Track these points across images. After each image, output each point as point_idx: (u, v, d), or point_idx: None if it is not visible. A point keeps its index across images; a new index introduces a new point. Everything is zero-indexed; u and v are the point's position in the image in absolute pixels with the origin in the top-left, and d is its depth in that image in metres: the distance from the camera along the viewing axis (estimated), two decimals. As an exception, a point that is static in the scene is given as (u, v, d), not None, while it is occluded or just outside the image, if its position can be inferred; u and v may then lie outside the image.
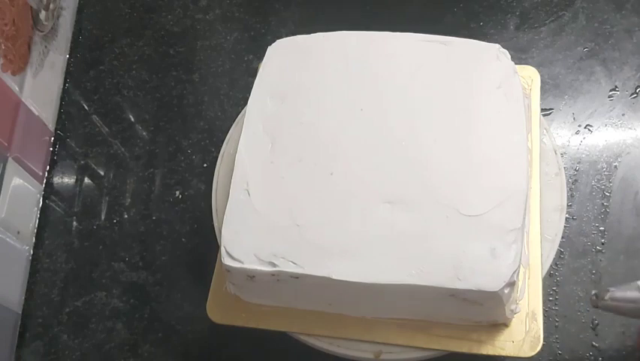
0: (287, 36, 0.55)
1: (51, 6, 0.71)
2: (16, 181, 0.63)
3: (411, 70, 0.51)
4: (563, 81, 0.65)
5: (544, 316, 0.48)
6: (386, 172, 0.47)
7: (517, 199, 0.45)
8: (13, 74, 0.64)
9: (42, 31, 0.69)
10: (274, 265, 0.45)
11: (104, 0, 0.77)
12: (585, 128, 0.62)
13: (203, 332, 0.58)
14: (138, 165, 0.67)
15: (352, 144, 0.49)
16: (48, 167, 0.68)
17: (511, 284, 0.43)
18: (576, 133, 0.62)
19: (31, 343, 0.60)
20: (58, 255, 0.64)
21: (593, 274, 0.56)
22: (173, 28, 0.74)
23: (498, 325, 0.47)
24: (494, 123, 0.49)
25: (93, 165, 0.68)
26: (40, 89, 0.68)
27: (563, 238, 0.52)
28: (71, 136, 0.70)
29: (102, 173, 0.68)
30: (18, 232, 0.62)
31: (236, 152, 0.50)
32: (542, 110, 0.59)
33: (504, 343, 0.47)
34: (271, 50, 0.55)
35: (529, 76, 0.56)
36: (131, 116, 0.70)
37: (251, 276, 0.46)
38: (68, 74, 0.73)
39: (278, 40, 0.55)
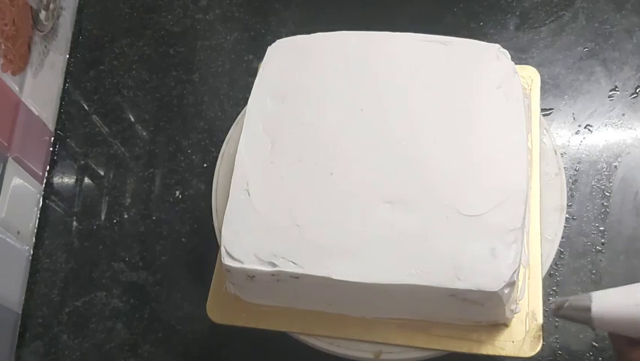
0: (287, 36, 0.55)
1: (51, 6, 0.71)
2: (16, 181, 0.63)
3: (411, 70, 0.51)
4: (563, 81, 0.65)
5: (544, 316, 0.48)
6: (386, 172, 0.47)
7: (517, 199, 0.45)
8: (13, 74, 0.64)
9: (42, 31, 0.69)
10: (274, 265, 0.45)
11: (104, 0, 0.77)
12: (585, 128, 0.62)
13: (203, 332, 0.58)
14: (138, 165, 0.67)
15: (352, 144, 0.49)
16: (48, 167, 0.68)
17: (511, 284, 0.43)
18: (576, 133, 0.62)
19: (31, 343, 0.60)
20: (58, 255, 0.64)
21: (593, 274, 0.56)
22: (173, 28, 0.74)
23: (498, 325, 0.47)
24: (494, 123, 0.49)
25: (93, 165, 0.68)
26: (40, 89, 0.68)
27: (563, 238, 0.52)
28: (71, 136, 0.70)
29: (102, 173, 0.68)
30: (18, 232, 0.62)
31: (236, 152, 0.50)
32: (542, 110, 0.59)
33: (504, 343, 0.47)
34: (271, 50, 0.55)
35: (529, 76, 0.56)
36: (131, 116, 0.70)
37: (251, 276, 0.46)
38: (68, 74, 0.73)
39: (278, 41, 0.55)
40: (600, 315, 0.41)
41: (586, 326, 0.53)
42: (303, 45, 0.54)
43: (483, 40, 0.53)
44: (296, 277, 0.45)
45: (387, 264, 0.44)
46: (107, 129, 0.70)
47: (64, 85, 0.72)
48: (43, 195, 0.67)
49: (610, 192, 0.59)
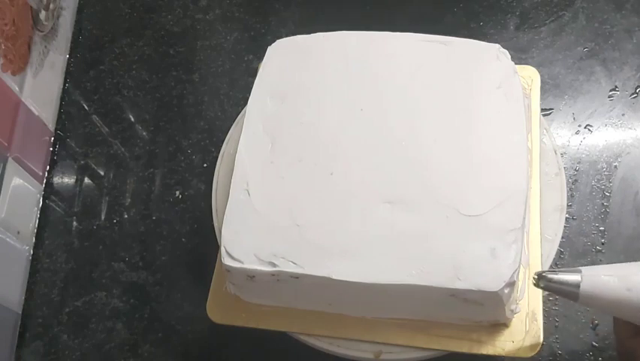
0: (287, 36, 0.55)
1: (51, 6, 0.71)
2: (16, 181, 0.63)
3: (411, 70, 0.51)
4: (563, 81, 0.65)
5: (544, 316, 0.48)
6: (386, 172, 0.47)
7: (517, 199, 0.45)
8: (13, 74, 0.64)
9: (42, 31, 0.69)
10: (274, 265, 0.45)
11: (104, 0, 0.77)
12: (585, 128, 0.62)
13: (203, 332, 0.58)
14: (138, 165, 0.67)
15: (352, 144, 0.49)
16: (48, 167, 0.68)
17: (511, 284, 0.43)
18: (576, 133, 0.62)
19: (31, 343, 0.60)
20: (58, 255, 0.64)
21: (593, 274, 0.56)
22: (173, 28, 0.74)
23: (498, 325, 0.47)
24: (494, 123, 0.49)
25: (93, 165, 0.68)
26: (40, 89, 0.68)
27: (563, 238, 0.52)
28: (71, 136, 0.70)
29: (102, 173, 0.68)
30: (18, 232, 0.62)
31: (236, 152, 0.50)
32: (542, 110, 0.59)
33: (504, 343, 0.47)
34: (271, 50, 0.55)
35: (529, 76, 0.56)
36: (131, 116, 0.70)
37: (251, 276, 0.46)
38: (68, 74, 0.73)
39: (278, 41, 0.55)
40: (588, 293, 0.40)
41: (586, 326, 0.53)
42: (303, 45, 0.54)
43: (483, 40, 0.53)
44: (296, 277, 0.45)
45: (387, 264, 0.44)
46: (107, 129, 0.70)
47: (64, 85, 0.72)
48: (43, 195, 0.67)
49: (610, 192, 0.59)
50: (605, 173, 0.60)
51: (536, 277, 0.42)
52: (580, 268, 0.41)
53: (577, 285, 0.40)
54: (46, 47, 0.70)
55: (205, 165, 0.66)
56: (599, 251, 0.56)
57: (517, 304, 0.47)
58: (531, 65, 0.57)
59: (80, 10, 0.77)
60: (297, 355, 0.52)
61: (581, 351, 0.53)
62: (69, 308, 0.61)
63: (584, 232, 0.57)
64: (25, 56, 0.67)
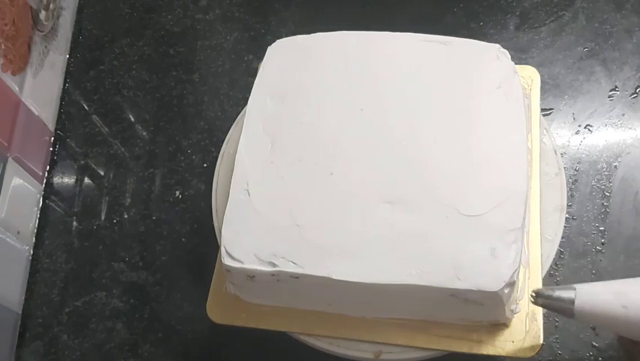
0: (287, 36, 0.55)
1: (51, 6, 0.71)
2: (16, 181, 0.63)
3: (411, 70, 0.51)
4: (563, 81, 0.65)
5: (544, 316, 0.48)
6: (386, 172, 0.47)
7: (517, 199, 0.45)
8: (13, 74, 0.64)
9: (42, 31, 0.69)
10: (274, 265, 0.45)
11: (104, 0, 0.77)
12: (585, 128, 0.62)
13: (203, 332, 0.58)
14: (138, 165, 0.67)
15: (352, 144, 0.49)
16: (48, 167, 0.68)
17: (511, 284, 0.43)
18: (576, 133, 0.62)
19: (31, 343, 0.60)
20: (58, 255, 0.64)
21: (593, 274, 0.56)
22: (173, 28, 0.74)
23: (498, 325, 0.47)
24: (494, 123, 0.49)
25: (93, 165, 0.68)
26: (40, 89, 0.68)
27: (563, 238, 0.52)
28: (71, 136, 0.70)
29: (102, 173, 0.68)
30: (18, 232, 0.62)
31: (236, 152, 0.50)
32: (542, 110, 0.59)
33: (504, 343, 0.47)
34: (271, 50, 0.55)
35: (529, 76, 0.56)
36: (131, 116, 0.70)
37: (251, 276, 0.46)
38: (68, 74, 0.73)
39: (278, 41, 0.55)
40: (583, 310, 0.41)
41: (586, 326, 0.53)
42: (303, 45, 0.54)
43: (483, 40, 0.53)
44: (296, 277, 0.45)
45: (387, 264, 0.44)
46: (107, 129, 0.70)
47: (64, 85, 0.72)
48: (43, 195, 0.67)
49: (610, 192, 0.59)
50: (605, 173, 0.60)
51: (534, 294, 0.42)
52: (575, 285, 0.41)
53: (571, 301, 0.41)
54: (46, 47, 0.70)
55: (205, 165, 0.66)
56: (599, 251, 0.56)
57: (517, 304, 0.46)
58: (531, 65, 0.57)
59: (80, 10, 0.77)
60: (297, 355, 0.52)
61: (581, 351, 0.53)
62: (69, 308, 0.61)
63: (584, 232, 0.57)
64: (25, 56, 0.67)
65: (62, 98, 0.72)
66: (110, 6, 0.77)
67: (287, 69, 0.53)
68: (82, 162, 0.69)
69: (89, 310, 0.61)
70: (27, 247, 0.64)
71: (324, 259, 0.45)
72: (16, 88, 0.65)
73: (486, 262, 0.43)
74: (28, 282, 0.63)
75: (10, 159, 0.62)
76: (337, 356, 0.50)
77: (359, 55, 0.53)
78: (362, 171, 0.48)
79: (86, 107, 0.71)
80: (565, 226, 0.52)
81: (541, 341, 0.46)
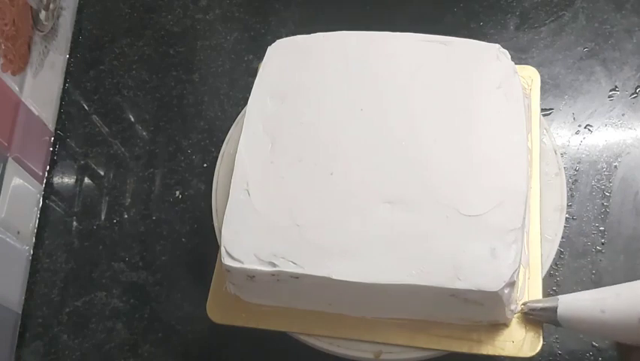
0: (287, 36, 0.55)
1: (51, 6, 0.71)
2: (16, 181, 0.63)
3: (411, 70, 0.51)
4: (563, 81, 0.65)
5: (544, 316, 0.48)
6: (386, 172, 0.47)
7: (517, 199, 0.45)
8: (13, 74, 0.64)
9: (42, 31, 0.69)
10: (274, 265, 0.45)
11: (104, 0, 0.77)
12: (585, 128, 0.62)
13: (203, 332, 0.58)
14: (138, 165, 0.67)
15: (352, 144, 0.49)
16: (48, 167, 0.68)
17: (511, 284, 0.43)
18: (576, 133, 0.62)
19: (31, 343, 0.60)
20: (58, 255, 0.64)
21: (593, 274, 0.56)
22: (173, 28, 0.75)
23: (498, 325, 0.47)
24: (494, 123, 0.49)
25: (93, 165, 0.68)
26: (40, 89, 0.68)
27: (563, 238, 0.52)
28: (71, 136, 0.70)
29: (102, 173, 0.68)
30: (18, 232, 0.62)
31: (236, 152, 0.50)
32: (542, 110, 0.59)
33: (504, 343, 0.47)
34: (271, 50, 0.55)
35: (529, 76, 0.56)
36: (131, 116, 0.70)
37: (251, 276, 0.46)
38: (68, 74, 0.73)
39: (278, 41, 0.55)
40: (566, 317, 0.43)
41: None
42: (303, 45, 0.54)
43: (483, 40, 0.53)
44: (296, 277, 0.45)
45: (387, 264, 0.44)
46: (107, 129, 0.70)
47: (64, 85, 0.72)
48: (43, 195, 0.67)
49: (610, 192, 0.59)
50: (605, 173, 0.60)
51: (523, 306, 0.45)
52: (558, 296, 0.44)
53: (554, 310, 0.43)
54: (46, 47, 0.70)
55: (205, 165, 0.66)
56: (599, 251, 0.56)
57: (517, 304, 0.46)
58: (531, 65, 0.57)
59: (80, 10, 0.77)
60: (297, 355, 0.52)
61: (581, 351, 0.53)
62: (69, 308, 0.61)
63: (584, 232, 0.57)
64: (25, 56, 0.67)
65: (62, 98, 0.72)
66: (110, 6, 0.77)
67: (287, 69, 0.53)
68: (82, 162, 0.69)
69: (89, 310, 0.61)
70: (27, 247, 0.64)
71: (324, 259, 0.45)
72: (16, 88, 0.65)
73: (486, 262, 0.43)
74: (28, 282, 0.63)
75: (10, 159, 0.62)
76: (337, 356, 0.50)
77: (359, 55, 0.53)
78: (362, 171, 0.48)
79: (86, 107, 0.71)
80: (565, 226, 0.52)
81: (542, 341, 0.46)
